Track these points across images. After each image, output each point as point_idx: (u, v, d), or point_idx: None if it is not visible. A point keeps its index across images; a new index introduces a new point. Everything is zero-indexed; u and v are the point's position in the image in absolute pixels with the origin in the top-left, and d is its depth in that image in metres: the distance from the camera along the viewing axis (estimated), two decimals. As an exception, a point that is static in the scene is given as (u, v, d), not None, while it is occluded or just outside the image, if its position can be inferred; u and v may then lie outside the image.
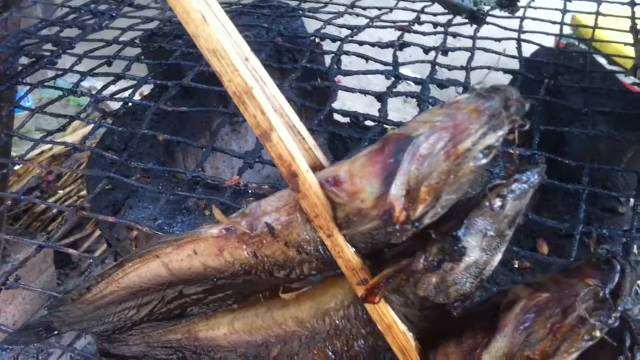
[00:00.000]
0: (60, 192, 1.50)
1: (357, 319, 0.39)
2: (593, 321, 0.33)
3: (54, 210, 1.44)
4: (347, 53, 0.86)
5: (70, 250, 0.60)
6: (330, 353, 0.40)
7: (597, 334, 0.34)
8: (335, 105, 0.77)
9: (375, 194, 0.35)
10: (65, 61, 0.88)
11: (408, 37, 0.89)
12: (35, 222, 1.46)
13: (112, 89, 0.85)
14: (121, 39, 0.92)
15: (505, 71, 0.82)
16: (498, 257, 0.36)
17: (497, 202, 0.34)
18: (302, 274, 0.39)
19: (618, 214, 0.76)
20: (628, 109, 0.78)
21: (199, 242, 0.40)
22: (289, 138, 0.37)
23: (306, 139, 0.39)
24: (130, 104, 0.87)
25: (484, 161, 0.34)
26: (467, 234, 0.35)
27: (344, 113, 0.76)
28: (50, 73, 0.87)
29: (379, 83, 0.79)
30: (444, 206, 0.35)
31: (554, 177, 0.69)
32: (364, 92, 0.79)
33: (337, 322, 0.40)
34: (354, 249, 0.37)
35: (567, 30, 0.95)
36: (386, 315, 0.38)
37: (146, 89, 0.95)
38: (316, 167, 0.39)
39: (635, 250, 1.18)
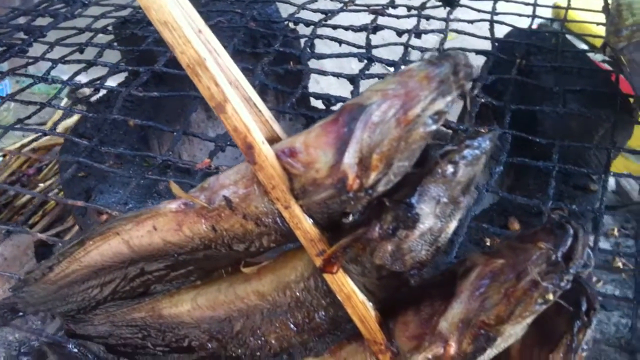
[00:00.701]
0: (41, 185, 1.49)
1: (317, 290, 0.39)
2: (545, 284, 0.34)
3: (35, 202, 1.43)
4: (320, 37, 0.85)
5: (39, 235, 0.60)
6: (292, 325, 0.41)
7: (550, 297, 0.34)
8: (319, 90, 0.78)
9: (329, 164, 0.35)
10: (38, 50, 0.87)
11: (382, 20, 0.89)
12: (16, 216, 1.45)
13: (86, 78, 0.84)
14: (93, 26, 0.91)
15: (478, 52, 0.83)
16: (453, 224, 0.37)
17: (449, 169, 0.35)
18: (261, 246, 0.39)
19: (590, 192, 0.76)
20: (599, 87, 0.78)
21: (158, 218, 0.40)
22: (244, 110, 0.37)
23: (262, 111, 0.39)
24: (104, 92, 0.87)
25: (434, 127, 0.34)
26: (420, 201, 0.35)
27: (316, 96, 0.76)
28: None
29: (359, 67, 0.79)
30: (397, 173, 0.35)
31: (526, 157, 0.69)
32: (337, 75, 0.79)
33: (297, 294, 0.40)
34: (311, 220, 0.37)
35: (541, 11, 0.96)
36: (345, 286, 0.38)
37: (121, 78, 0.95)
38: (274, 140, 0.39)
39: (615, 232, 1.19)
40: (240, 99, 0.37)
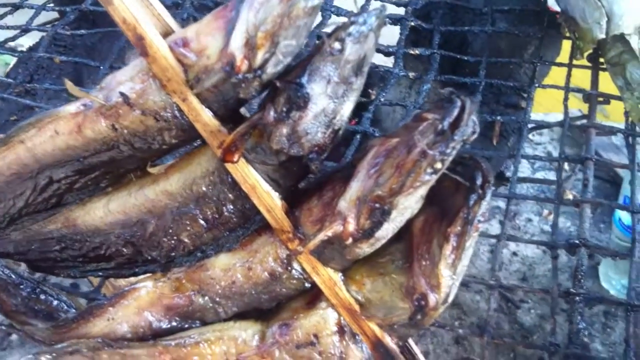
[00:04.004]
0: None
1: (222, 184, 0.40)
2: (432, 152, 0.34)
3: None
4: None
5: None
6: (202, 221, 0.41)
7: (439, 165, 0.35)
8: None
9: (219, 48, 0.35)
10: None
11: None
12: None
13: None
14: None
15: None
16: (347, 106, 0.37)
17: (336, 46, 0.35)
18: (164, 143, 0.39)
19: (520, 109, 0.78)
20: (528, 6, 0.79)
21: (58, 121, 0.40)
22: (132, 0, 0.36)
23: (154, 4, 0.38)
24: (37, 39, 0.85)
25: (316, 1, 0.34)
26: (310, 80, 0.35)
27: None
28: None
29: None
30: (285, 53, 0.35)
31: (457, 76, 0.70)
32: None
33: (204, 189, 0.40)
34: (210, 112, 0.38)
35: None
36: (249, 176, 0.39)
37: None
38: (167, 34, 0.38)
39: (566, 166, 1.21)
40: (128, -9, 0.37)
